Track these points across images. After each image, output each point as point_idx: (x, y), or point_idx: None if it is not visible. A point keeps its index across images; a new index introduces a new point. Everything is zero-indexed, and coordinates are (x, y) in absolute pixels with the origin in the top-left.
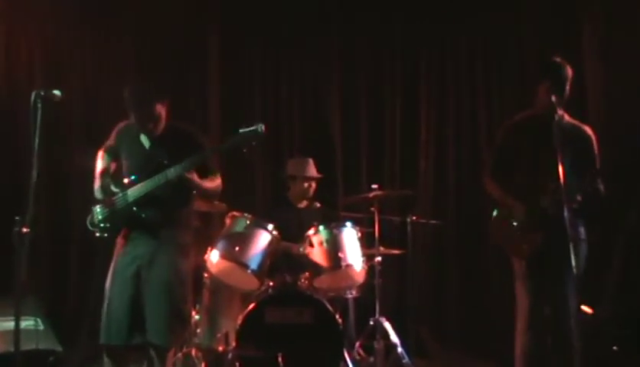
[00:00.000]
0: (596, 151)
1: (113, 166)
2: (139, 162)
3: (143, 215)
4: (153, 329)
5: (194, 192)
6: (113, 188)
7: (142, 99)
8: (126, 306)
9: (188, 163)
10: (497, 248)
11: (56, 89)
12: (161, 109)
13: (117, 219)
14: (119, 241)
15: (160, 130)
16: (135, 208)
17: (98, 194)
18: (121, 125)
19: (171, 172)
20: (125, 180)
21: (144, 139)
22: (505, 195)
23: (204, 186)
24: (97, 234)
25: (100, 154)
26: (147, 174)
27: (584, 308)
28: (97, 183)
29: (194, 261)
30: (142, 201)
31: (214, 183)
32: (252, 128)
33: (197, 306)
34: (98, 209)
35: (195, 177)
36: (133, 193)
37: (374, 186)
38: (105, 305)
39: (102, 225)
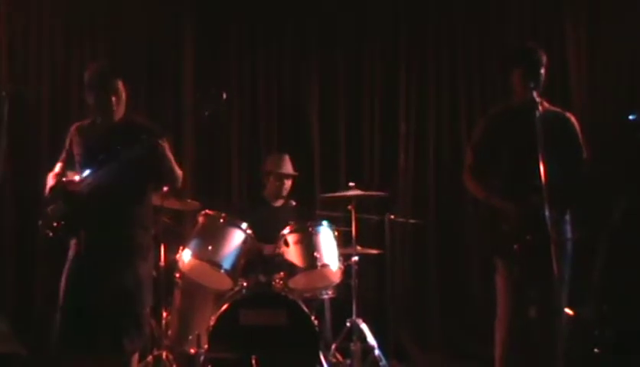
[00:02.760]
0: (581, 139)
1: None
2: (93, 152)
3: (97, 214)
4: (110, 336)
5: (161, 171)
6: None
7: (103, 72)
8: (82, 312)
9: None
10: (479, 247)
11: (23, 87)
12: (122, 88)
13: (73, 219)
14: (74, 243)
15: (118, 114)
16: (89, 206)
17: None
18: (72, 128)
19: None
20: (77, 177)
21: (98, 130)
22: (490, 195)
23: (173, 162)
24: (51, 234)
25: (59, 165)
26: (101, 163)
27: (566, 310)
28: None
29: (166, 261)
30: (96, 199)
31: (178, 170)
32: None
33: (169, 307)
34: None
35: (167, 146)
36: (87, 188)
37: (351, 184)
38: (60, 310)
39: (55, 224)
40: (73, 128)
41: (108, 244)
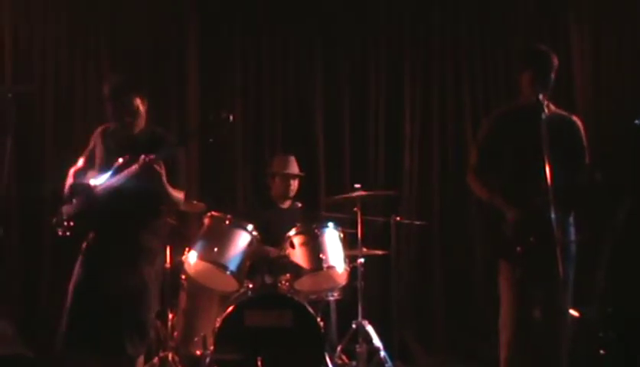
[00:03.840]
0: (585, 142)
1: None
2: (112, 158)
3: (109, 217)
4: (113, 339)
5: (158, 194)
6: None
7: (120, 90)
8: (87, 314)
9: (158, 155)
10: (484, 249)
11: (29, 87)
12: (139, 104)
13: (85, 220)
14: (85, 245)
15: (138, 127)
16: (102, 208)
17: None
18: (98, 129)
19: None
20: (95, 180)
21: (120, 137)
22: (494, 196)
23: (167, 187)
24: (61, 233)
25: (81, 160)
26: (116, 170)
27: (571, 311)
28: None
29: (171, 262)
30: (110, 202)
31: (177, 194)
32: (220, 117)
33: (174, 309)
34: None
35: (163, 172)
36: (101, 190)
37: (357, 185)
38: (67, 310)
39: (67, 223)
40: (99, 129)
41: (115, 246)
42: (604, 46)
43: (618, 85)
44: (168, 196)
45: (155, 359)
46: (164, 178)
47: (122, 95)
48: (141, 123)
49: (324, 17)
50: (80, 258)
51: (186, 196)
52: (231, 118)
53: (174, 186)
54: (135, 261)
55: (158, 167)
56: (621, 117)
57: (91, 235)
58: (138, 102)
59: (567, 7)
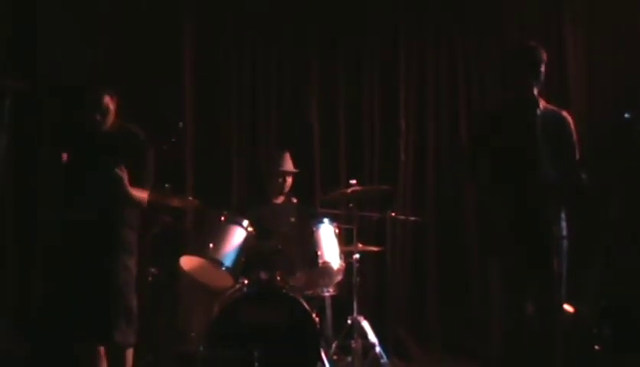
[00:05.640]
0: (575, 138)
1: None
2: (79, 155)
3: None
4: (100, 326)
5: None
6: None
7: (90, 89)
8: (75, 302)
9: (117, 160)
10: (478, 245)
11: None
12: (109, 102)
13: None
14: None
15: (107, 125)
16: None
17: None
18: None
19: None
20: None
21: (89, 134)
22: (487, 192)
23: (128, 190)
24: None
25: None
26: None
27: (566, 307)
28: None
29: (167, 259)
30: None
31: (140, 194)
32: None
33: (170, 306)
34: None
35: (125, 177)
36: None
37: (352, 181)
38: (53, 300)
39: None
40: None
41: (98, 242)
42: (597, 45)
43: (612, 84)
44: (129, 199)
45: (150, 356)
46: (125, 182)
47: (91, 93)
48: (110, 120)
49: (320, 13)
50: (63, 251)
51: (178, 192)
52: (180, 124)
53: (139, 186)
54: (116, 254)
55: (120, 172)
56: (614, 116)
57: (74, 228)
58: (107, 100)
59: (562, 8)
